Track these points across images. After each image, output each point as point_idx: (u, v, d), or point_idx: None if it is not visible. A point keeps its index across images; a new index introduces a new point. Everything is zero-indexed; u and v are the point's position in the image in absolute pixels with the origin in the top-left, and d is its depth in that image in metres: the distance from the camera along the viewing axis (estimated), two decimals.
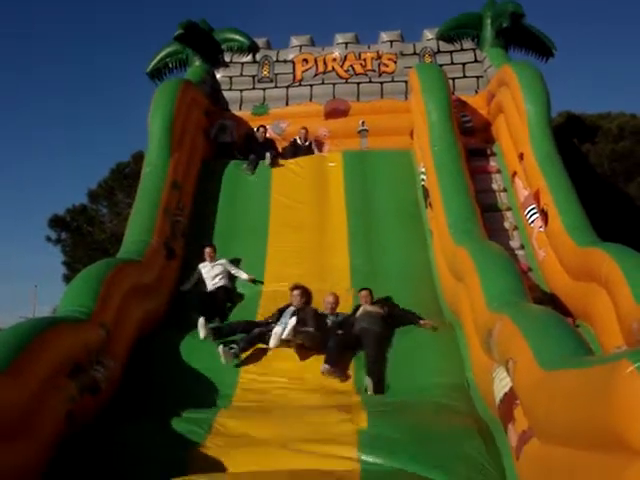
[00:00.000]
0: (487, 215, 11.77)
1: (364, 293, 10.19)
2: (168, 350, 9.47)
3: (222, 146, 15.19)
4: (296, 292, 9.89)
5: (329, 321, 9.87)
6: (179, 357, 9.34)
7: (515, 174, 12.40)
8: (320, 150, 14.94)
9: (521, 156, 12.01)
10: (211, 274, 11.50)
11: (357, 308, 10.05)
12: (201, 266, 11.64)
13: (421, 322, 9.76)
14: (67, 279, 23.96)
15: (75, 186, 76.37)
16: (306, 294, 9.98)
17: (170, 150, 12.73)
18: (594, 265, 8.89)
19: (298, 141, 14.75)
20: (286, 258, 11.98)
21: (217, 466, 6.55)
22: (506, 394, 6.62)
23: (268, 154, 13.81)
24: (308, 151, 14.62)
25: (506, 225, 12.22)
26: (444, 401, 8.05)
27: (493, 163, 13.49)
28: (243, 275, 11.65)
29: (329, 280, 11.34)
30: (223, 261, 11.68)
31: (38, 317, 8.88)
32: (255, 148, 14.40)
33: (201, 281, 11.53)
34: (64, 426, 7.02)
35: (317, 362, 8.99)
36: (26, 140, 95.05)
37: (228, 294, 11.43)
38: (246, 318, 10.25)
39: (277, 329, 9.12)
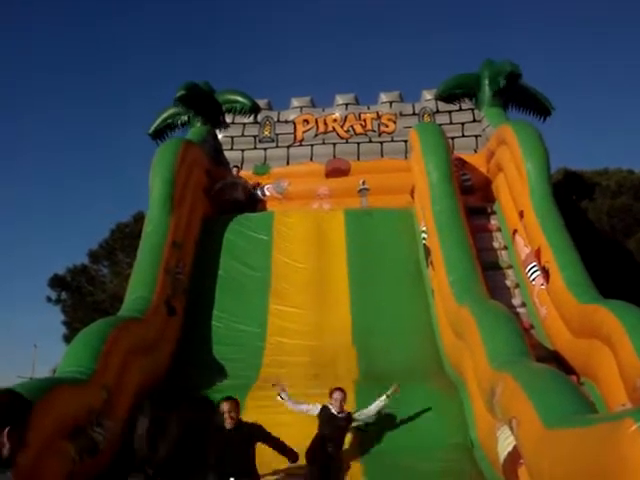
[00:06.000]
0: (488, 273, 11.79)
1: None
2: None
3: (234, 203, 15.29)
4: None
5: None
6: None
7: (515, 232, 12.44)
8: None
9: (521, 214, 12.07)
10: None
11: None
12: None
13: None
14: (67, 339, 23.85)
15: (75, 246, 76.52)
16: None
17: (171, 209, 12.81)
18: (596, 322, 8.89)
19: (332, 410, 8.76)
20: (288, 315, 12.00)
21: None
22: (510, 453, 6.58)
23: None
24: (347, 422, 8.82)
25: (507, 283, 12.21)
26: (449, 464, 7.99)
27: (493, 221, 13.55)
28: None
29: (330, 336, 11.36)
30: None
31: (39, 378, 8.81)
32: None
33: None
34: None
35: None
36: (27, 199, 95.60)
37: None
38: (250, 371, 10.47)
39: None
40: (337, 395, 8.71)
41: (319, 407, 8.78)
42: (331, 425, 8.61)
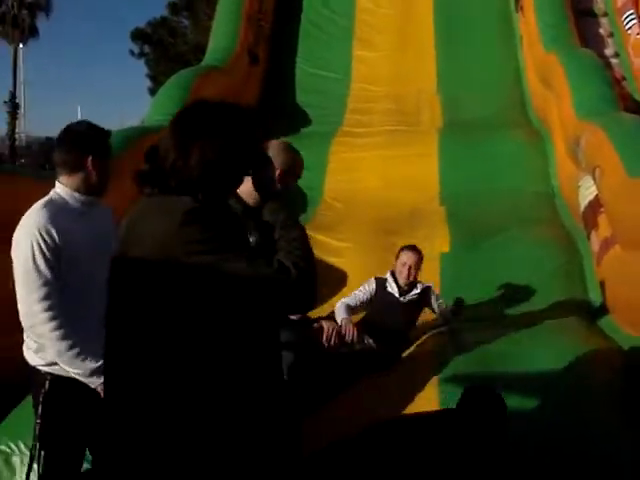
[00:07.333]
0: (581, 21, 11.20)
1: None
2: None
3: None
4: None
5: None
6: None
7: None
8: None
9: None
10: None
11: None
12: None
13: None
14: (152, 92, 24.29)
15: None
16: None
17: None
18: None
19: (390, 288, 5.68)
20: (372, 62, 11.75)
21: None
22: (591, 202, 6.66)
23: None
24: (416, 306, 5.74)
25: (601, 31, 11.62)
26: (528, 212, 8.14)
27: None
28: None
29: (415, 83, 11.17)
30: None
31: (127, 127, 9.06)
32: None
33: None
34: None
35: None
36: None
37: None
38: (334, 117, 10.56)
39: None
40: (405, 257, 5.41)
41: (372, 283, 5.49)
42: (388, 313, 5.30)
